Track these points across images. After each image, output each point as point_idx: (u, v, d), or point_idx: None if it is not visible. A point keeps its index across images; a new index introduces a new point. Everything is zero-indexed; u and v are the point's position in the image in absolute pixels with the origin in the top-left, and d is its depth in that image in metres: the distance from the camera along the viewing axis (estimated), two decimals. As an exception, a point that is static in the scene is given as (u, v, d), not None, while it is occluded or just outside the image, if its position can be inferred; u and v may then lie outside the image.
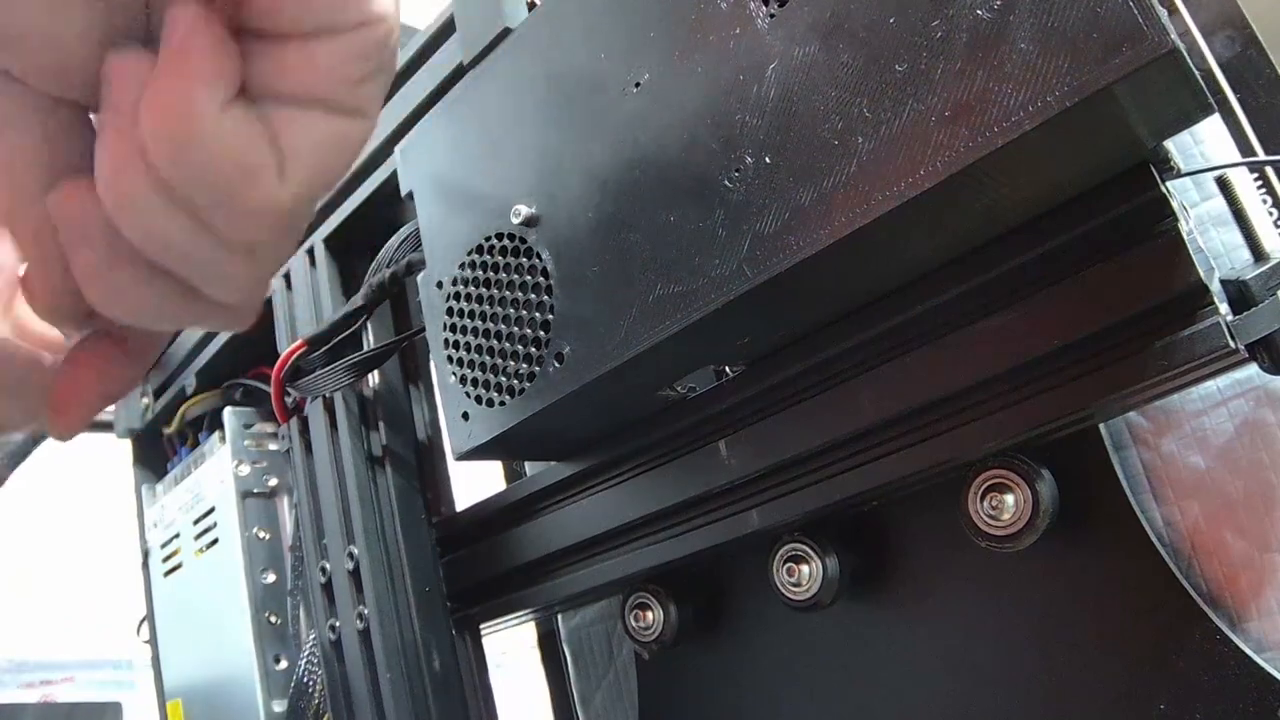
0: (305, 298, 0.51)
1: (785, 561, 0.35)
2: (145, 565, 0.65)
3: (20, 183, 0.21)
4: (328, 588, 0.47)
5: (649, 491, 0.38)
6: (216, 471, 0.56)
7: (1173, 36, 0.21)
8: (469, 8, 0.42)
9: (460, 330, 0.38)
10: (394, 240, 0.43)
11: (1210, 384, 0.31)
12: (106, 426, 0.70)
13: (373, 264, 0.44)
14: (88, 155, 0.21)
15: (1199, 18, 0.32)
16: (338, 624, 0.47)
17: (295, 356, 0.45)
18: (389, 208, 0.49)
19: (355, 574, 0.46)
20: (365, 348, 0.47)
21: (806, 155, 0.27)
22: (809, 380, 0.33)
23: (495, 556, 0.44)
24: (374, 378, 0.49)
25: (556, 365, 0.34)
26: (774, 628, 0.40)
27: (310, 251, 0.51)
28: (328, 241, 0.51)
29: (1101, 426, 0.32)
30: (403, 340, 0.46)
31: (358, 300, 0.45)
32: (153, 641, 0.64)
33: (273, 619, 0.52)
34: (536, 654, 0.55)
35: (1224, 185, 0.31)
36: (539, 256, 0.35)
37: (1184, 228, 0.26)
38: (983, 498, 0.30)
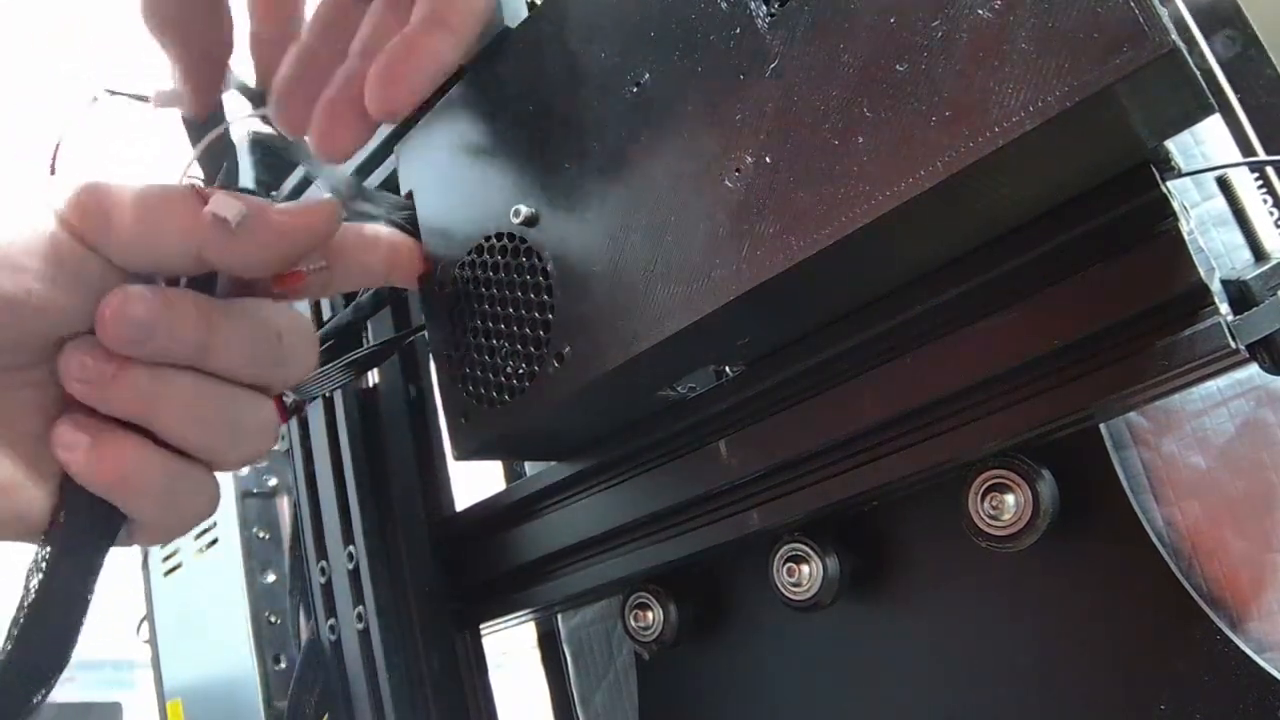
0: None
1: (785, 561, 0.35)
2: (145, 565, 0.65)
3: None
4: (327, 588, 0.47)
5: (649, 491, 0.38)
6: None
7: (1173, 36, 0.21)
8: (469, 7, 0.42)
9: (460, 330, 0.38)
10: None
11: (1210, 384, 0.31)
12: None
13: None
14: None
15: (1199, 18, 0.32)
16: (337, 624, 0.47)
17: None
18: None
19: (355, 574, 0.46)
20: (365, 345, 0.46)
21: (807, 155, 0.27)
22: (809, 380, 0.33)
23: (495, 556, 0.44)
24: (374, 377, 0.49)
25: (556, 365, 0.34)
26: (774, 628, 0.40)
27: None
28: (327, 241, 0.51)
29: (1101, 426, 0.32)
30: (402, 340, 0.46)
31: (347, 315, 0.45)
32: (153, 641, 0.64)
33: (273, 619, 0.52)
34: (536, 654, 0.54)
35: (1224, 185, 0.31)
36: (539, 256, 0.35)
37: (1184, 228, 0.26)
38: (983, 498, 0.30)
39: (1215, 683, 0.28)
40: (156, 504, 0.30)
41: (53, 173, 0.32)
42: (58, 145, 0.32)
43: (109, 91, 0.34)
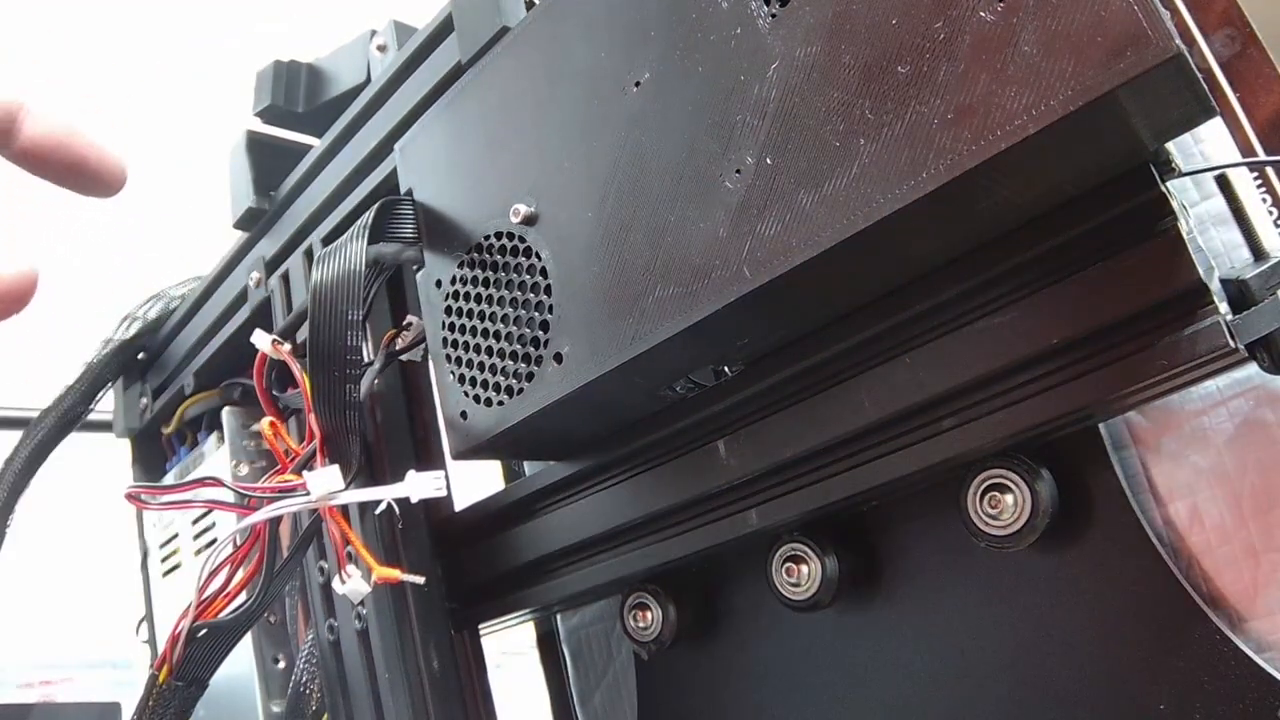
0: (303, 297, 0.51)
1: (784, 561, 0.35)
2: (144, 565, 0.65)
3: None
4: (327, 588, 0.47)
5: (648, 491, 0.38)
6: (215, 471, 0.56)
7: (1177, 41, 0.21)
8: (467, 6, 0.42)
9: (459, 329, 0.38)
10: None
11: (1210, 383, 0.31)
12: (105, 426, 0.70)
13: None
14: None
15: (1199, 18, 0.32)
16: (336, 624, 0.47)
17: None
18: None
19: (355, 574, 0.46)
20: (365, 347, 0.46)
21: (808, 157, 0.27)
22: (809, 380, 0.33)
23: (494, 556, 0.44)
24: (373, 377, 0.49)
25: (555, 365, 0.34)
26: (773, 628, 0.40)
27: (308, 251, 0.51)
28: (325, 240, 0.50)
29: (1101, 426, 0.32)
30: (401, 350, 0.46)
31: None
32: (152, 641, 0.64)
33: (272, 619, 0.52)
34: (536, 654, 0.54)
35: (1224, 184, 0.31)
36: (538, 256, 0.35)
37: (1184, 227, 0.26)
38: (982, 497, 0.30)
39: (1215, 683, 0.28)
40: None
41: None
42: None
43: None
